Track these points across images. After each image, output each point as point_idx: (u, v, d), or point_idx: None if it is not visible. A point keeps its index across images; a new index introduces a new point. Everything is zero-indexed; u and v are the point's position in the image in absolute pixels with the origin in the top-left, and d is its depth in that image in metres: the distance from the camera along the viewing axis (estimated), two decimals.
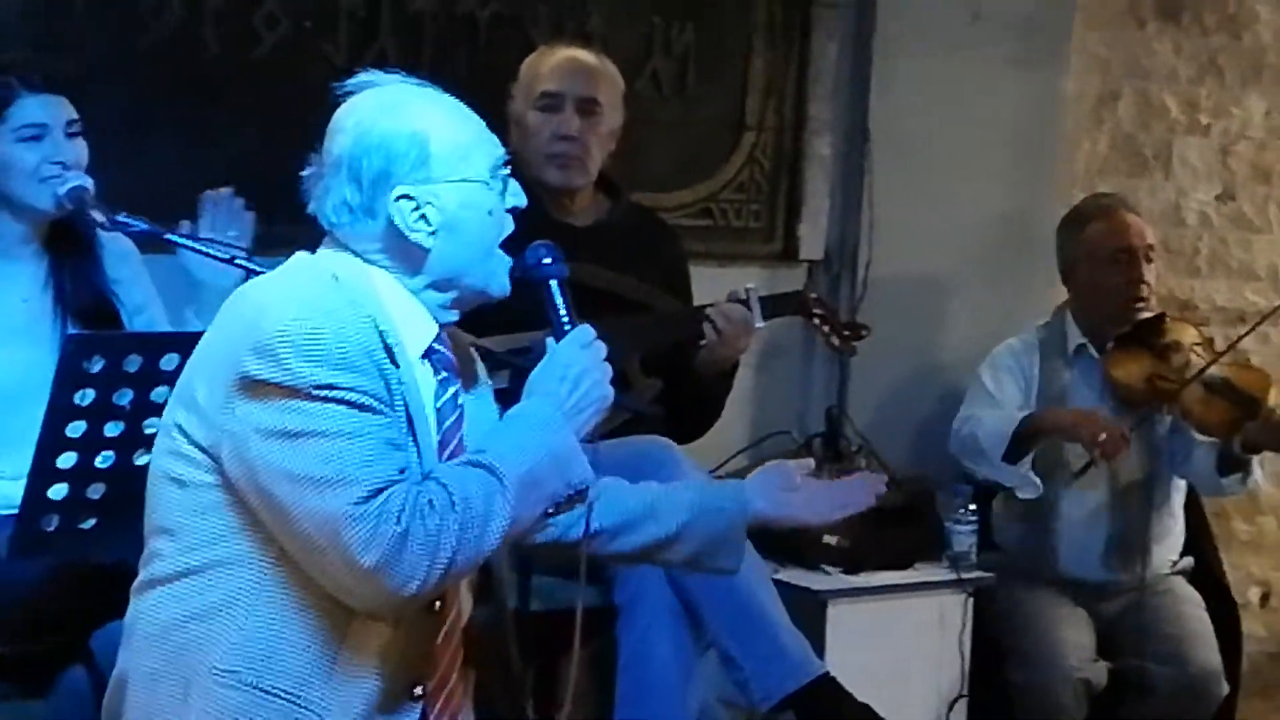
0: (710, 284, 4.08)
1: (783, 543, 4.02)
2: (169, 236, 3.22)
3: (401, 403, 2.35)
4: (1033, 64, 4.96)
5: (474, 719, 2.55)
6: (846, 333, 4.16)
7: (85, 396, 2.82)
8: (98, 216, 3.18)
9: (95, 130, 3.31)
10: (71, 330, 3.15)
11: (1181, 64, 5.20)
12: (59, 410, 2.81)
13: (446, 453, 2.44)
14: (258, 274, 3.04)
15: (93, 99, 3.36)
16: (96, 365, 2.82)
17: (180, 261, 3.32)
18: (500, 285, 2.47)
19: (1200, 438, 4.34)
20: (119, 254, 3.33)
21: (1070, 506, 4.33)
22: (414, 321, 2.43)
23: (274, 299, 2.35)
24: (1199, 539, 4.60)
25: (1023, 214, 4.96)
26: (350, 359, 2.29)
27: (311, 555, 2.28)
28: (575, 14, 4.35)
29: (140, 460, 2.87)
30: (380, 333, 2.35)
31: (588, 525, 2.54)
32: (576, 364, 2.47)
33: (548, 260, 2.54)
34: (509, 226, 2.47)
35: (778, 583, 3.70)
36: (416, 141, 2.38)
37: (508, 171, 2.47)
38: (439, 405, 2.45)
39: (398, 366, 2.36)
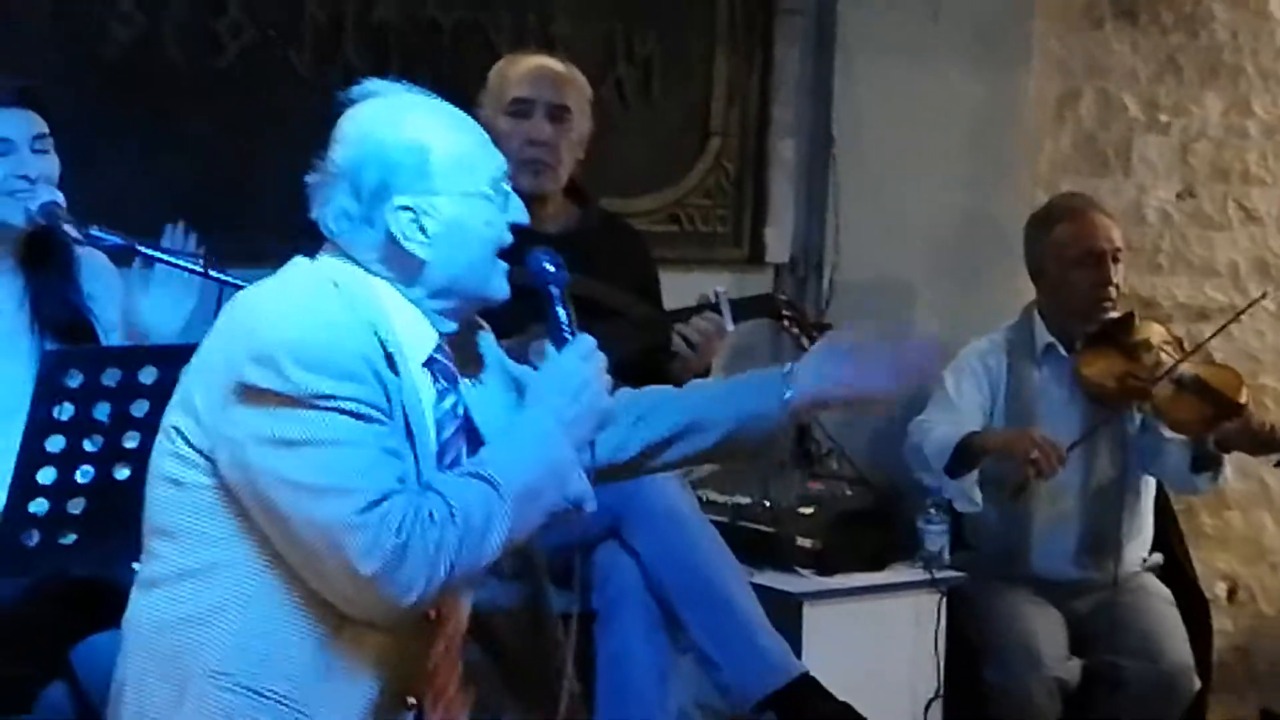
0: (679, 289, 4.09)
1: (756, 545, 4.04)
2: (141, 249, 3.21)
3: (401, 411, 2.35)
4: (994, 65, 4.98)
5: None
6: (816, 334, 4.16)
7: (64, 411, 2.80)
8: (71, 231, 3.17)
9: (58, 142, 3.28)
10: (48, 346, 3.13)
11: (1140, 63, 5.23)
12: (38, 425, 2.79)
13: (445, 462, 2.43)
14: (231, 285, 3.04)
15: (55, 109, 3.32)
16: (75, 380, 2.80)
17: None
18: (499, 290, 2.47)
19: (1170, 436, 4.36)
20: (94, 270, 3.32)
21: (1042, 506, 4.34)
22: (415, 330, 2.43)
23: (273, 306, 2.36)
24: (1167, 535, 4.62)
25: (986, 214, 4.99)
26: (349, 368, 2.29)
27: (310, 562, 2.29)
28: (539, 22, 4.37)
29: (120, 474, 2.86)
30: (381, 341, 2.34)
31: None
32: (577, 375, 2.45)
33: (550, 267, 2.54)
34: (508, 238, 2.46)
35: (752, 585, 3.70)
36: (416, 152, 2.38)
37: (509, 185, 2.47)
38: (438, 416, 2.44)
39: (398, 374, 2.35)
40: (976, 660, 4.25)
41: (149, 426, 2.75)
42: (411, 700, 2.42)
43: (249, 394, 2.28)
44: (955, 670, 4.23)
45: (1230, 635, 5.28)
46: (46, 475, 2.82)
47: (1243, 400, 4.25)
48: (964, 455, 4.23)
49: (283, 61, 4.04)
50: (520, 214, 2.47)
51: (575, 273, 3.72)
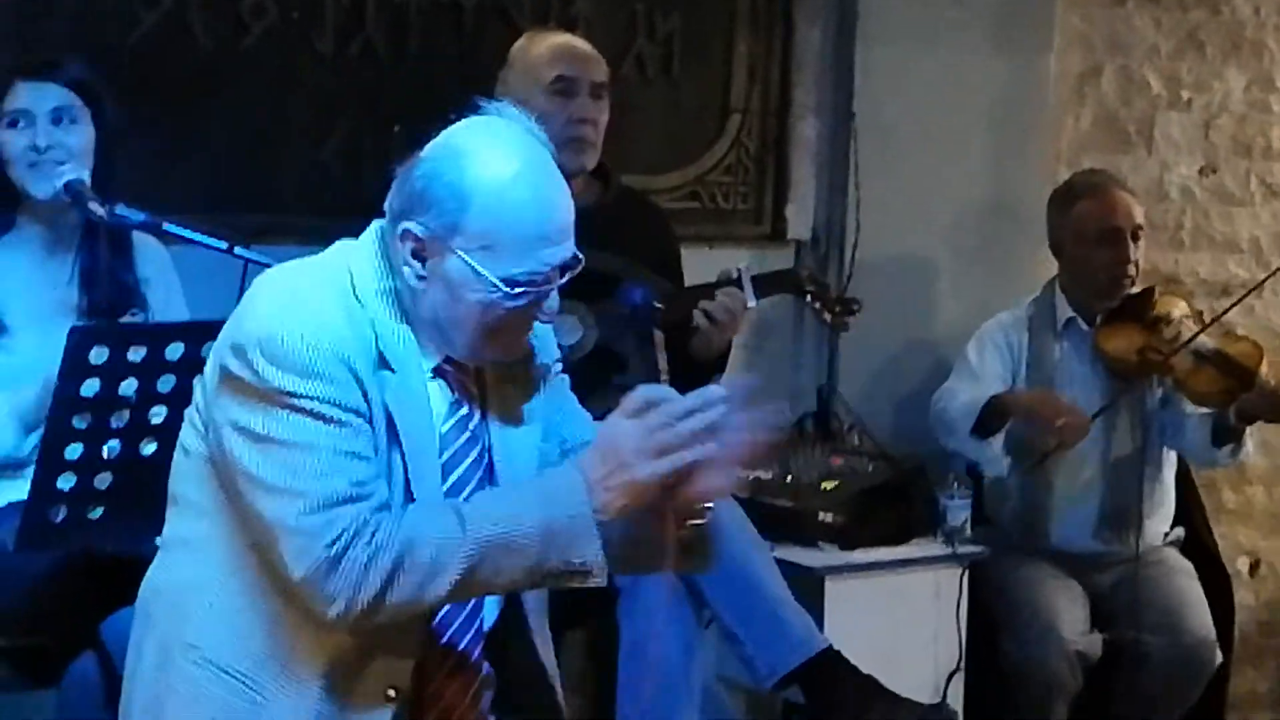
0: (700, 266, 4.09)
1: (778, 520, 4.05)
2: (167, 227, 3.24)
3: (384, 413, 2.31)
4: (1015, 42, 4.97)
5: None
6: (839, 308, 4.18)
7: (90, 387, 2.84)
8: (96, 209, 3.20)
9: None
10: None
11: (1162, 39, 5.22)
12: (65, 401, 2.83)
13: (454, 475, 2.39)
14: (257, 263, 3.07)
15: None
16: (101, 356, 2.83)
17: None
18: (484, 357, 2.39)
19: (1192, 410, 4.37)
20: (149, 255, 3.39)
21: (1063, 480, 4.35)
22: (423, 340, 2.38)
23: (270, 295, 2.33)
24: (1189, 510, 4.63)
25: (1007, 191, 4.99)
26: (317, 366, 2.25)
27: (266, 549, 2.29)
28: (560, 0, 4.37)
29: (147, 450, 2.90)
30: (376, 336, 2.31)
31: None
32: (630, 444, 2.23)
33: (640, 301, 2.44)
34: (513, 325, 2.35)
35: (774, 560, 3.71)
36: (458, 199, 2.28)
37: (545, 288, 2.32)
38: (444, 429, 2.40)
39: (393, 371, 2.32)
40: (997, 634, 4.26)
41: (175, 402, 2.80)
42: (391, 693, 2.37)
43: (228, 380, 2.29)
44: (976, 644, 4.23)
45: (1252, 609, 5.29)
46: (73, 451, 2.86)
47: (1263, 371, 4.25)
48: (990, 416, 4.24)
49: (305, 41, 4.05)
50: (549, 311, 2.35)
51: (595, 248, 3.80)
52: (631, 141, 4.40)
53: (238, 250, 3.19)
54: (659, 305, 2.50)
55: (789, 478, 4.22)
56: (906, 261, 4.89)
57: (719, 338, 3.84)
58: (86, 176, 3.24)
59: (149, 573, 2.46)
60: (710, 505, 2.35)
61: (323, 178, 4.08)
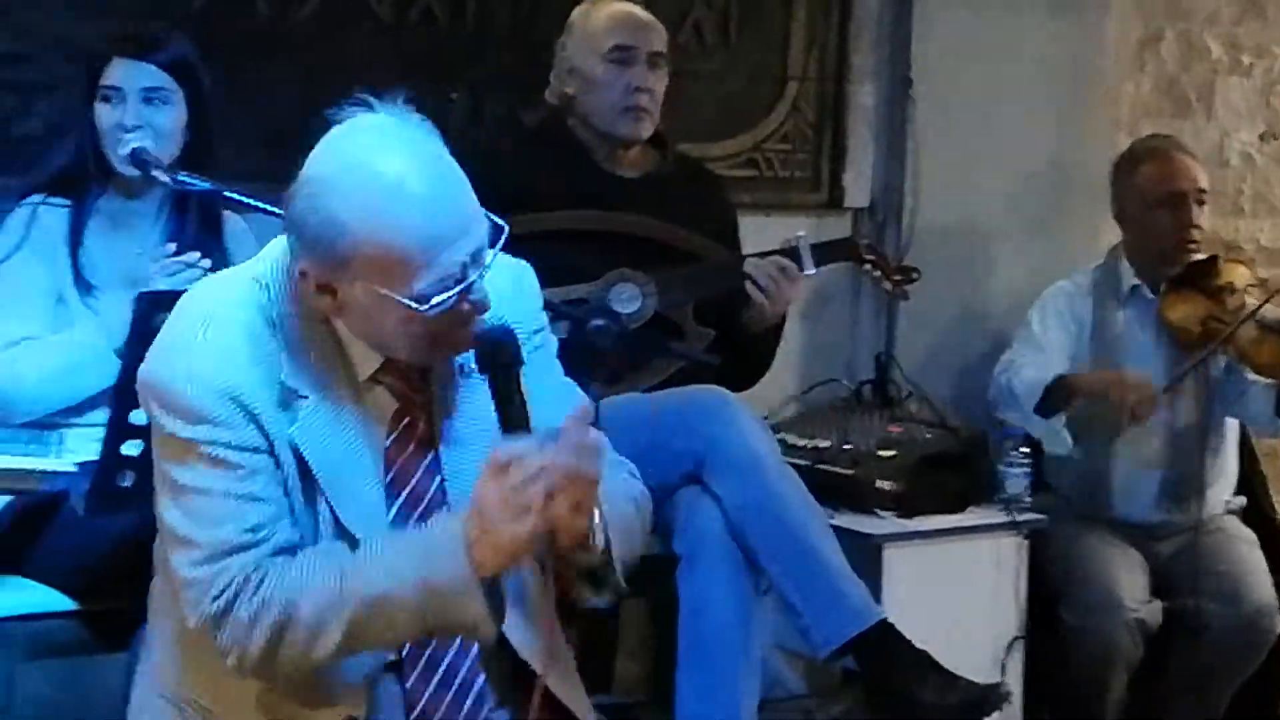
0: (757, 234, 4.09)
1: (836, 488, 4.05)
2: (229, 194, 3.27)
3: (289, 449, 2.20)
4: (1074, 7, 4.96)
5: None
6: (898, 276, 4.17)
7: None
8: (160, 176, 3.26)
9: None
10: None
11: (1223, 4, 5.20)
12: (132, 368, 2.82)
13: (406, 493, 2.30)
14: None
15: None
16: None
17: None
18: (419, 364, 2.28)
19: (1254, 378, 4.34)
20: (237, 234, 3.43)
21: (1126, 449, 4.33)
22: (356, 350, 2.27)
23: (172, 325, 2.26)
24: (1251, 478, 4.61)
25: (1066, 158, 4.97)
26: (204, 409, 2.16)
27: None
28: None
29: None
30: (283, 366, 2.21)
31: None
32: (493, 506, 2.12)
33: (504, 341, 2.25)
34: (450, 326, 2.21)
35: (832, 528, 3.71)
36: (335, 231, 2.14)
37: (465, 285, 2.17)
38: (388, 444, 2.29)
39: (306, 397, 2.22)
40: (1057, 602, 4.24)
41: None
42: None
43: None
44: (1035, 613, 4.23)
45: None
46: (140, 417, 2.87)
47: None
48: (1056, 395, 4.23)
49: (364, 9, 4.05)
50: (479, 306, 2.21)
51: (654, 216, 3.81)
52: (689, 109, 4.40)
53: None
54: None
55: (847, 445, 4.21)
56: (964, 229, 4.88)
57: (771, 307, 3.83)
58: (169, 154, 3.30)
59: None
60: (598, 538, 2.22)
61: None
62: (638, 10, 3.92)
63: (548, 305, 2.58)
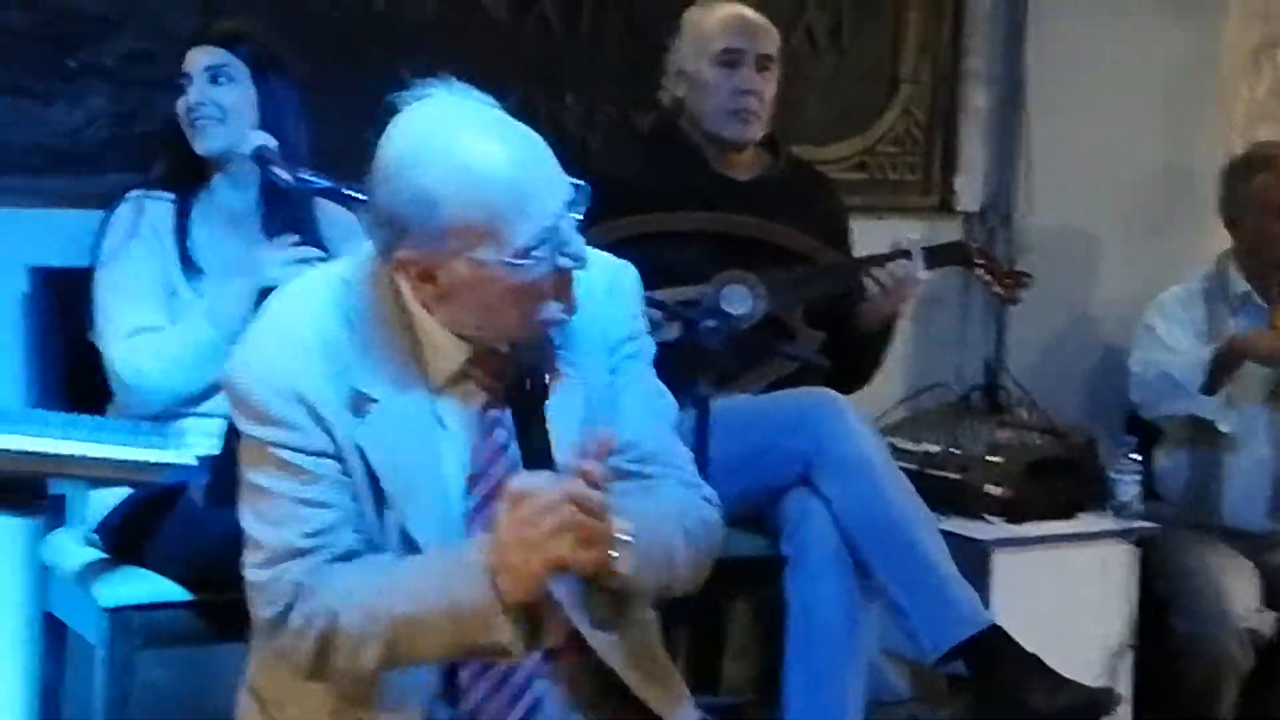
0: (868, 237, 4.08)
1: (945, 493, 4.04)
2: (347, 192, 3.28)
3: (357, 453, 2.20)
4: (1190, 12, 4.92)
5: None
6: (1009, 280, 4.16)
7: None
8: (281, 174, 3.29)
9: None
10: None
11: None
12: None
13: (480, 492, 2.27)
14: None
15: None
16: None
17: None
18: (525, 337, 2.24)
19: None
20: (331, 218, 3.45)
21: (1236, 457, 4.30)
22: (437, 349, 2.25)
23: (257, 323, 2.28)
24: None
25: (1179, 163, 4.94)
26: (275, 411, 2.18)
27: None
28: None
29: None
30: (356, 367, 2.20)
31: None
32: (508, 540, 2.10)
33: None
34: (551, 285, 2.19)
35: (941, 533, 3.70)
36: (427, 207, 2.12)
37: (562, 237, 2.17)
38: (475, 439, 2.27)
39: (377, 400, 2.20)
40: (1166, 611, 4.21)
41: None
42: None
43: None
44: (1144, 620, 4.20)
45: None
46: None
47: None
48: (1221, 367, 4.20)
49: (479, 12, 4.09)
50: (576, 257, 2.18)
51: (765, 218, 3.82)
52: (800, 112, 4.40)
53: None
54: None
55: (956, 450, 4.21)
56: (1075, 234, 4.86)
57: (888, 306, 3.84)
58: (270, 141, 3.33)
59: None
60: (618, 564, 2.16)
61: None
62: (748, 13, 3.93)
63: (659, 305, 2.56)
